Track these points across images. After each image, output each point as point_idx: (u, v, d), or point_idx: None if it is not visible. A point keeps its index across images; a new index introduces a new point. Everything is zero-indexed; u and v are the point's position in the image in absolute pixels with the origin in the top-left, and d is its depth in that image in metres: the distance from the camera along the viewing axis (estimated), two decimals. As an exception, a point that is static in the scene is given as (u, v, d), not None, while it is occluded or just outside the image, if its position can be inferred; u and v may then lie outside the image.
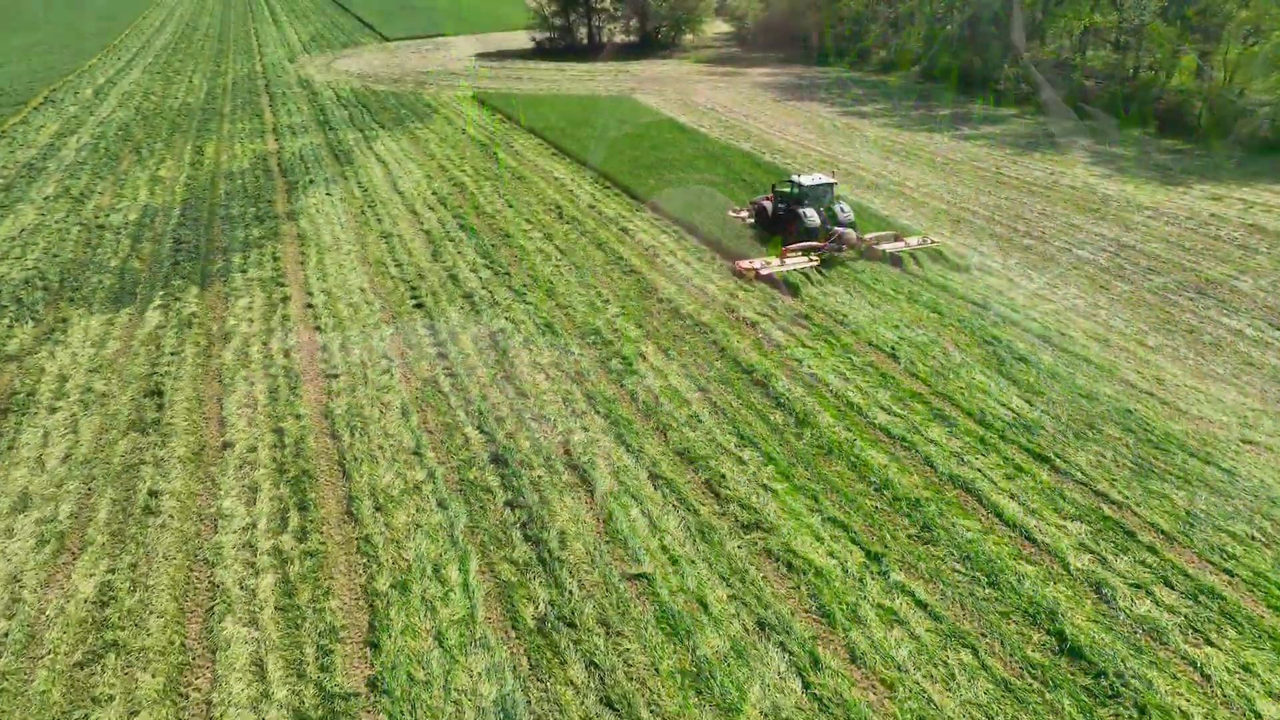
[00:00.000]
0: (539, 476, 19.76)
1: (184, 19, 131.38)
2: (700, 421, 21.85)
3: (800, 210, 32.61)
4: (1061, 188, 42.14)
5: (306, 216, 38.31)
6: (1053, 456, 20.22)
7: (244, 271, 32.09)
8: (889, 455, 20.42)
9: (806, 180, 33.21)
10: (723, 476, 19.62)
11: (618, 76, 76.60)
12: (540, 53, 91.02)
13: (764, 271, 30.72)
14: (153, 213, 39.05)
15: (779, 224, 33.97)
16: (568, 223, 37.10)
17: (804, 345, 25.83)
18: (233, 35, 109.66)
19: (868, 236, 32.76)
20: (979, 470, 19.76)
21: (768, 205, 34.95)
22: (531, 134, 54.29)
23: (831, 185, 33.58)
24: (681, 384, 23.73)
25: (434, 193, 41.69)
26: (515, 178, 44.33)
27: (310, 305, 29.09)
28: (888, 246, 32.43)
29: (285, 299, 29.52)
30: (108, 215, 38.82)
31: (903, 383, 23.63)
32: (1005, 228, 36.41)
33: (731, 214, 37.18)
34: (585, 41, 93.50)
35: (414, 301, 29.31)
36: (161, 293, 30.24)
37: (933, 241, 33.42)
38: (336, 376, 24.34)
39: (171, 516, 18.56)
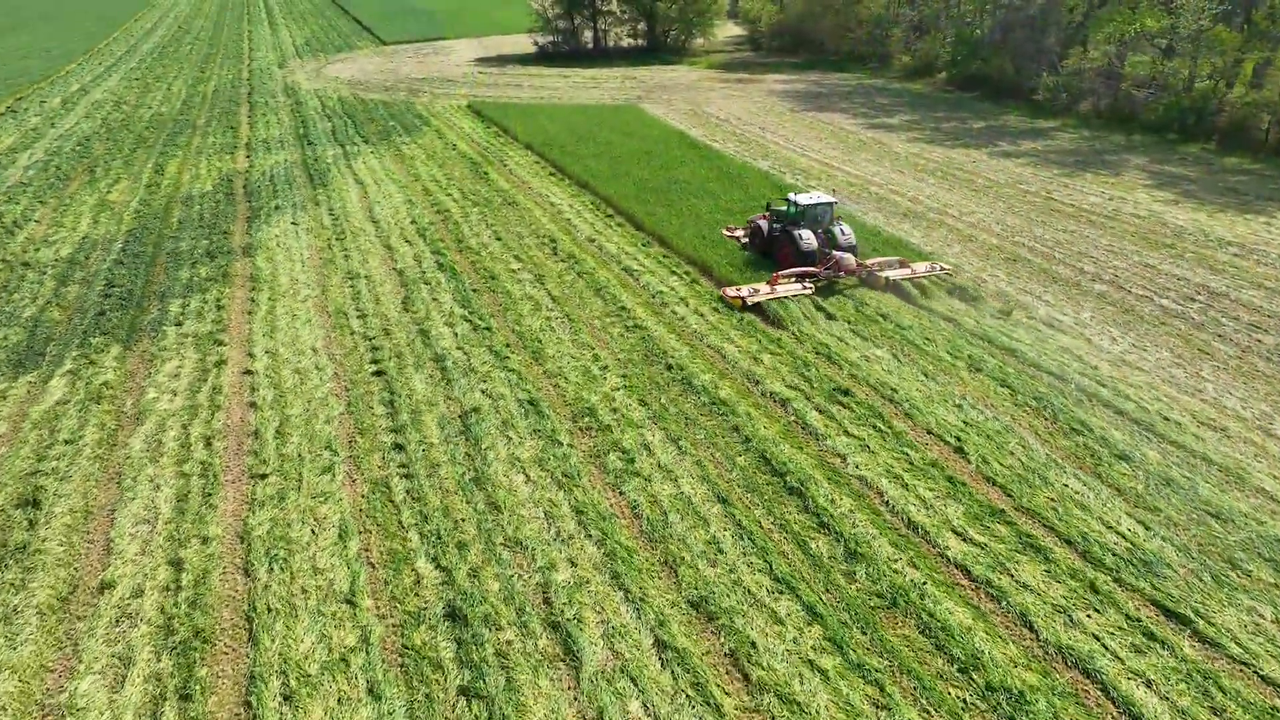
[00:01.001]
0: (507, 642, 14.84)
1: (177, 21, 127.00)
2: (721, 552, 16.90)
3: (796, 232, 29.31)
4: (1124, 217, 37.05)
5: (265, 252, 33.47)
6: (1191, 615, 15.19)
7: (179, 325, 27.25)
8: (972, 610, 15.42)
9: (804, 199, 29.97)
10: (753, 645, 14.67)
11: (624, 83, 71.70)
12: (543, 57, 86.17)
13: (751, 300, 27.46)
14: (90, 246, 34.26)
15: (773, 246, 30.76)
16: (563, 261, 32.19)
17: (847, 433, 20.85)
18: (224, 39, 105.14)
19: (869, 262, 29.24)
20: (1095, 637, 14.76)
21: (764, 224, 31.48)
22: (528, 150, 49.41)
23: (831, 205, 30.42)
24: (696, 490, 18.78)
25: (413, 222, 36.83)
26: (506, 203, 39.45)
27: (249, 372, 24.23)
28: (891, 274, 28.83)
29: (221, 363, 24.66)
30: (38, 250, 34.03)
31: (977, 491, 18.63)
32: (1070, 268, 31.33)
33: (727, 233, 33.93)
34: (590, 45, 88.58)
35: (374, 367, 24.43)
36: (75, 353, 25.43)
37: (944, 269, 29.57)
38: (265, 477, 19.45)
39: (4, 709, 13.69)
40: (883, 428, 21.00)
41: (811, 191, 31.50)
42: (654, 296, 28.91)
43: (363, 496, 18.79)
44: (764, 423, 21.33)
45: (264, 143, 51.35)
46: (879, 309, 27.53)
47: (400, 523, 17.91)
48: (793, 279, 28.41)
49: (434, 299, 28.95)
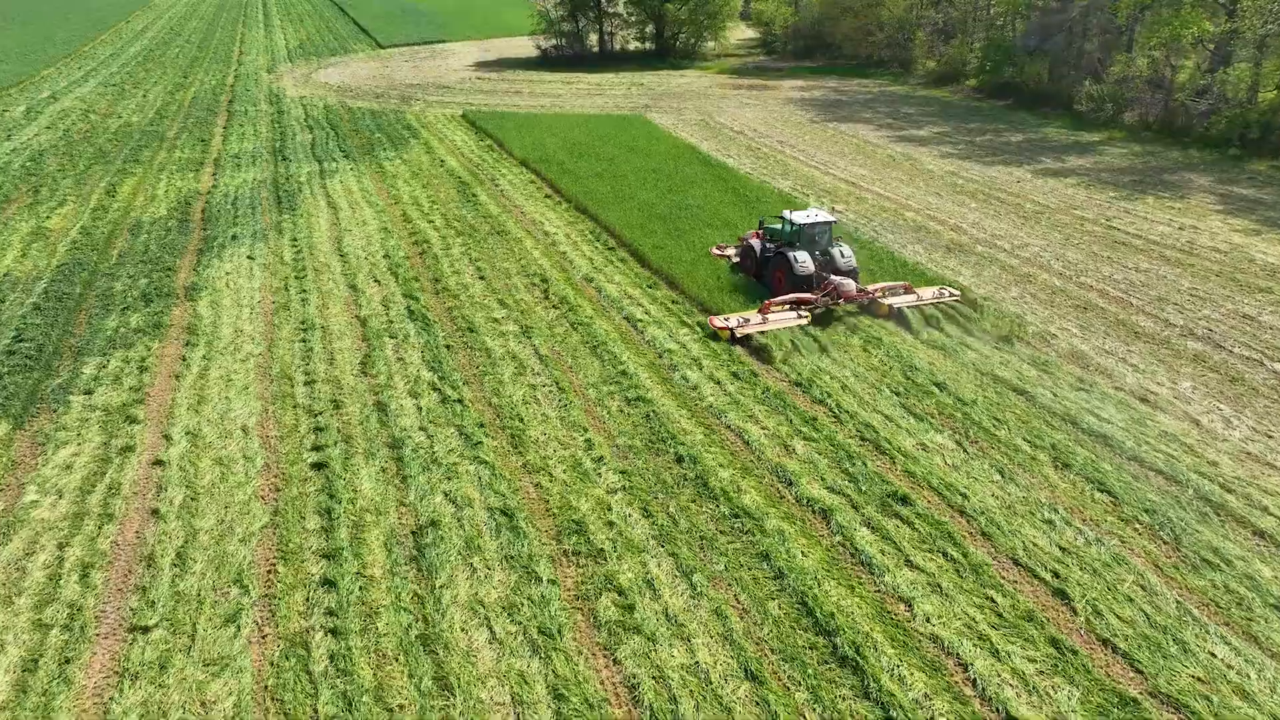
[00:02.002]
0: None
1: (170, 22, 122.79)
2: (752, 771, 12.16)
3: (791, 254, 26.50)
4: (1202, 251, 32.17)
5: (210, 294, 28.86)
6: None
7: (89, 393, 22.63)
8: None
9: (801, 217, 27.22)
10: None
11: (630, 90, 67.05)
12: (546, 62, 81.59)
13: (741, 332, 24.81)
14: (9, 287, 29.67)
15: (766, 268, 28.06)
16: (555, 307, 27.52)
17: (910, 563, 16.10)
18: (216, 41, 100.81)
19: (872, 288, 26.73)
20: None
21: (756, 244, 28.38)
22: (524, 167, 44.76)
23: (830, 225, 27.58)
24: (716, 658, 14.05)
25: (386, 256, 32.18)
26: (494, 232, 34.79)
27: (160, 462, 19.59)
28: (895, 301, 25.91)
29: (128, 449, 20.02)
30: (-53, 292, 29.54)
31: (1093, 663, 13.84)
32: (1152, 319, 26.49)
33: (716, 252, 30.81)
34: (595, 49, 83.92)
35: (314, 456, 19.75)
36: (-46, 434, 20.86)
37: (952, 294, 26.30)
38: (148, 630, 14.80)
39: None
40: (956, 556, 16.23)
41: (810, 209, 28.16)
42: (661, 355, 24.21)
43: (271, 664, 14.09)
44: (801, 545, 16.58)
45: (235, 158, 46.78)
46: (932, 376, 22.76)
47: (315, 711, 13.20)
48: (786, 307, 25.47)
49: (399, 358, 24.30)
